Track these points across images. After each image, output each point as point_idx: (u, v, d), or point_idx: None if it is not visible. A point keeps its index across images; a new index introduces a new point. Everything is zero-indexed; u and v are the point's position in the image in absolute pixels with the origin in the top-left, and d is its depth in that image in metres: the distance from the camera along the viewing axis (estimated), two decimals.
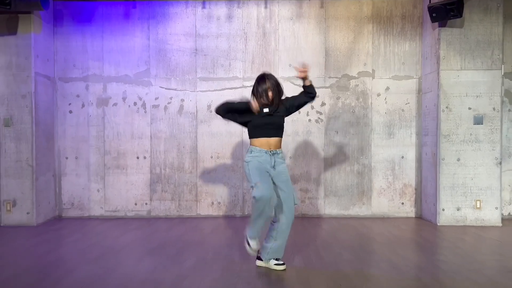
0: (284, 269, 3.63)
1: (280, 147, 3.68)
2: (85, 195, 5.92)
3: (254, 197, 3.42)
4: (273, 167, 3.59)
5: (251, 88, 3.71)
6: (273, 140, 3.62)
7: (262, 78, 3.65)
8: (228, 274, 3.55)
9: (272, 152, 3.60)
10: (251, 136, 3.66)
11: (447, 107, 5.34)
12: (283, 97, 3.72)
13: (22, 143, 5.37)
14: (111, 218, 5.88)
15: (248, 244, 3.67)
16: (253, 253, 3.71)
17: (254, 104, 3.56)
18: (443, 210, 5.34)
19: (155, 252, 4.23)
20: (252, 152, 3.59)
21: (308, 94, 3.70)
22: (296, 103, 3.73)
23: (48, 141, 5.74)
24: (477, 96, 5.32)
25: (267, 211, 3.50)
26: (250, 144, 3.66)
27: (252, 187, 3.51)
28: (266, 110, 3.60)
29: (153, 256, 4.08)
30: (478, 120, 5.30)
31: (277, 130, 3.65)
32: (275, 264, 3.65)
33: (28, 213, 5.38)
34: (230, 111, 3.68)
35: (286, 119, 3.76)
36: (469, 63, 5.33)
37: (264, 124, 3.59)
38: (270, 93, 3.60)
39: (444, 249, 4.37)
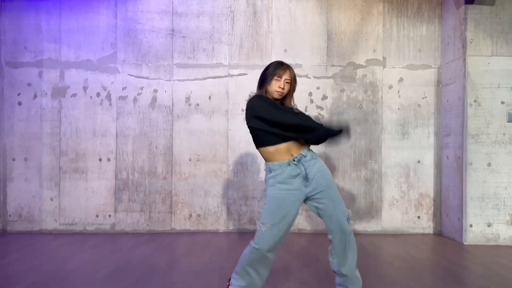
0: None
1: (305, 147, 2.62)
2: (35, 205, 4.87)
3: (252, 247, 2.54)
4: (305, 178, 2.54)
5: (263, 72, 2.68)
6: (293, 143, 2.58)
7: (282, 64, 2.67)
8: None
9: (297, 158, 2.55)
10: (263, 144, 2.61)
11: (475, 101, 4.41)
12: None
13: None
14: (67, 233, 4.84)
15: None
16: None
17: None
18: (471, 226, 4.38)
19: (109, 279, 3.25)
20: (272, 172, 2.57)
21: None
22: None
23: None
24: (511, 88, 4.40)
25: (263, 263, 2.56)
26: (266, 161, 2.62)
27: (259, 226, 2.55)
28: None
29: (105, 285, 3.08)
30: None
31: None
32: None
33: None
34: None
35: None
36: (502, 48, 4.42)
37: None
38: (287, 86, 2.65)
39: (480, 278, 3.39)
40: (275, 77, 2.60)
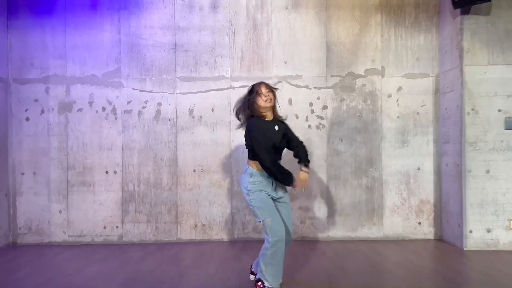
0: None
1: None
2: (44, 218, 4.99)
3: (271, 242, 3.12)
4: (275, 190, 3.28)
5: (245, 93, 3.34)
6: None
7: (258, 84, 3.30)
8: None
9: None
10: (254, 158, 3.25)
11: (472, 109, 4.49)
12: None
13: None
14: (76, 245, 4.95)
15: None
16: None
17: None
18: (471, 232, 4.47)
19: None
20: (253, 177, 3.24)
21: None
22: (290, 139, 3.44)
23: (0, 154, 4.83)
24: (508, 96, 4.48)
25: (284, 248, 3.19)
26: (249, 166, 3.29)
27: (261, 222, 3.20)
28: (276, 127, 3.30)
29: None
30: (510, 124, 4.46)
31: (281, 153, 3.39)
32: None
33: None
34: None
35: None
36: (498, 57, 4.50)
37: (276, 148, 3.29)
38: (271, 94, 3.25)
39: (479, 284, 3.49)
40: (258, 94, 3.20)
